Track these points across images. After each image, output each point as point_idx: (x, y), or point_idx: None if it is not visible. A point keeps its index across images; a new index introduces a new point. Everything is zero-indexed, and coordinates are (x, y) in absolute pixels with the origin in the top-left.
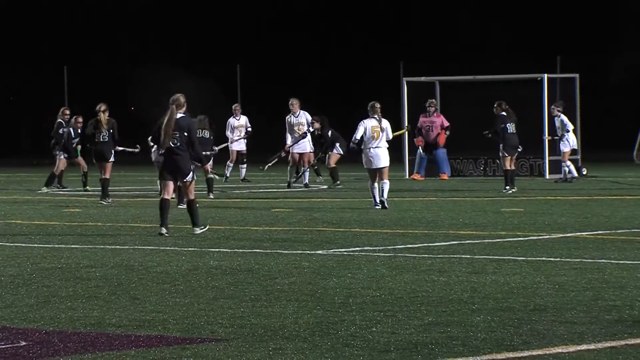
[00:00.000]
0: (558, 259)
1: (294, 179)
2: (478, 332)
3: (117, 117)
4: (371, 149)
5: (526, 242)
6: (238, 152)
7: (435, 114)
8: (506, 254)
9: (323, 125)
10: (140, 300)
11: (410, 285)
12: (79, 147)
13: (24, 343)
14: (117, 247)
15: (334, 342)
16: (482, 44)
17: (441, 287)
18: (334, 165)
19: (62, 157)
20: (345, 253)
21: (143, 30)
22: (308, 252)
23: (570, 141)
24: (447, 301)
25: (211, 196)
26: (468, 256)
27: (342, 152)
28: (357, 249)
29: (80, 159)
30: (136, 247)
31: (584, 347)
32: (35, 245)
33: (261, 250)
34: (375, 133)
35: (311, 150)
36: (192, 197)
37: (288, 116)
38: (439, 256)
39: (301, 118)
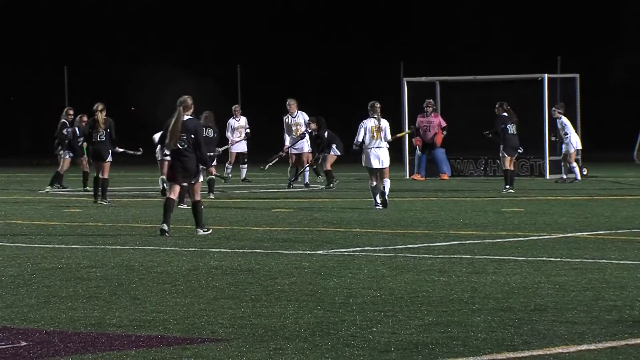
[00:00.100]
0: (558, 259)
1: (293, 179)
2: (478, 332)
3: (117, 117)
4: (372, 149)
5: (526, 242)
6: (238, 153)
7: (432, 114)
8: (507, 254)
9: (320, 126)
10: (141, 301)
11: (411, 286)
12: (85, 144)
13: (24, 343)
14: (118, 247)
15: (335, 342)
16: (482, 44)
17: (442, 287)
18: (329, 168)
19: (66, 156)
20: (346, 253)
21: (143, 30)
22: (308, 252)
23: (574, 142)
24: (447, 301)
25: (212, 196)
26: (468, 256)
27: (339, 153)
28: (358, 249)
29: (85, 158)
30: (136, 247)
31: (584, 347)
32: (36, 245)
33: (262, 251)
34: (375, 133)
35: (309, 151)
36: (197, 198)
37: (286, 117)
38: (439, 256)
39: (299, 118)
